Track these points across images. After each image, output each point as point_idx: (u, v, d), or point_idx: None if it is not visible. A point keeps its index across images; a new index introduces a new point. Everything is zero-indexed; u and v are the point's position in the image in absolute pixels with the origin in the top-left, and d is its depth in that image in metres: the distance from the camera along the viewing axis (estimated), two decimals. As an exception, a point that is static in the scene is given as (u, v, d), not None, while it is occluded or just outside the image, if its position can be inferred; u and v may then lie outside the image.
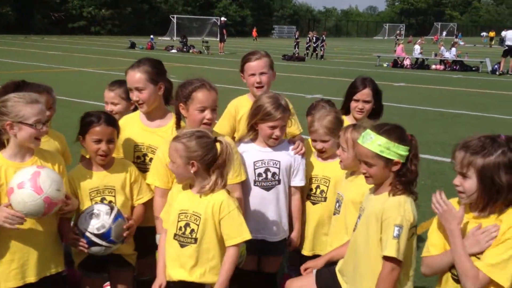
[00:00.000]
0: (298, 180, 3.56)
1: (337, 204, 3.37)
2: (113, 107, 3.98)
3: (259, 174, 3.49)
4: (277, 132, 3.40)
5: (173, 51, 35.21)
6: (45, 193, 2.77)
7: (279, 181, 3.51)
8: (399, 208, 2.66)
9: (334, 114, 3.58)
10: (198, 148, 2.81)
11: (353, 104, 3.99)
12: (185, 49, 35.40)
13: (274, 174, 3.49)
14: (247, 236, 2.91)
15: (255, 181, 3.50)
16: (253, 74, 3.78)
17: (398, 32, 63.67)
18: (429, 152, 8.93)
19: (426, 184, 6.92)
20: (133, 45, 37.27)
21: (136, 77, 3.37)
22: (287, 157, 3.52)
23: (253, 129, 3.49)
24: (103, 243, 3.05)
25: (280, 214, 3.54)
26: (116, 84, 4.02)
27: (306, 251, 3.68)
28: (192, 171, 2.83)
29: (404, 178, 2.70)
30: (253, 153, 3.50)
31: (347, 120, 3.99)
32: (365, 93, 3.97)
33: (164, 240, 3.00)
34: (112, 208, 3.12)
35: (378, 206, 2.72)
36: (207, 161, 2.83)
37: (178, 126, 3.38)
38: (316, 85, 18.36)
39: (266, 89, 3.76)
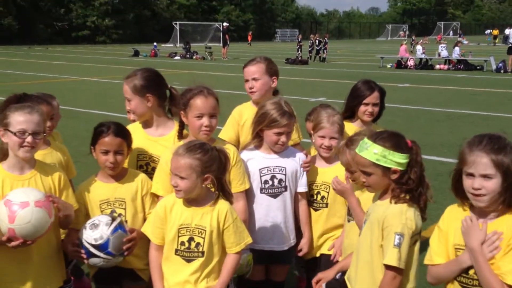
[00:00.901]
0: (302, 186, 3.54)
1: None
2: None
3: (266, 181, 3.46)
4: (283, 139, 3.38)
5: (177, 57, 35.27)
6: (13, 225, 2.71)
7: (285, 188, 3.48)
8: (400, 216, 2.62)
9: (339, 116, 3.57)
10: (212, 161, 2.81)
11: (362, 108, 3.96)
12: (188, 56, 35.44)
13: (280, 180, 3.47)
14: (249, 239, 2.95)
15: (261, 189, 3.47)
16: (247, 80, 3.82)
17: (411, 34, 62.34)
18: (436, 153, 8.87)
19: (433, 186, 6.80)
20: (136, 53, 37.36)
21: (124, 88, 3.46)
22: (292, 163, 3.50)
23: (258, 136, 3.46)
24: (101, 254, 2.98)
25: (287, 221, 3.52)
26: None
27: (310, 256, 3.63)
28: (204, 185, 2.83)
29: (405, 186, 2.65)
30: (259, 160, 3.47)
31: (354, 125, 3.96)
32: (374, 97, 3.96)
33: (157, 256, 2.95)
34: (113, 219, 3.05)
35: (380, 212, 2.69)
36: (219, 173, 2.85)
37: (180, 134, 3.37)
38: (319, 88, 18.34)
39: (259, 95, 3.77)
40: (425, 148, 9.74)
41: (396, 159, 2.64)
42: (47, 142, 3.57)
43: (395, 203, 2.66)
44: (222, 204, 2.89)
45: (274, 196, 3.48)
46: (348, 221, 3.33)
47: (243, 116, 3.79)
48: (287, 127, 3.37)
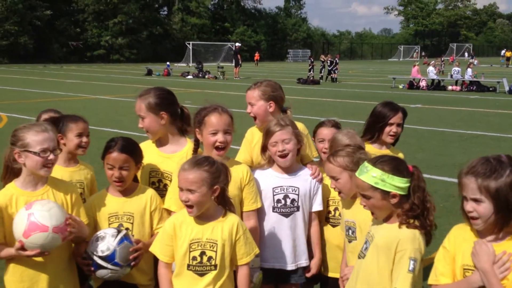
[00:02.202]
0: (317, 205, 3.53)
1: (350, 231, 3.27)
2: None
3: (278, 201, 3.47)
4: (279, 147, 3.38)
5: (189, 77, 35.57)
6: (50, 226, 2.78)
7: (298, 208, 3.48)
8: (414, 241, 2.62)
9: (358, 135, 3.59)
10: (219, 172, 2.86)
11: (387, 129, 3.96)
12: (200, 75, 35.73)
13: (293, 200, 3.47)
14: (257, 250, 3.01)
15: (273, 208, 3.47)
16: (248, 104, 3.83)
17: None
18: (448, 174, 8.79)
19: (445, 207, 6.80)
20: (149, 72, 37.74)
21: (138, 105, 3.49)
22: (305, 183, 3.50)
23: (264, 152, 3.50)
24: (108, 265, 3.00)
25: (298, 241, 3.51)
26: None
27: (327, 272, 3.61)
28: (213, 197, 2.86)
29: (410, 213, 2.64)
30: (272, 180, 3.49)
31: (373, 147, 3.94)
32: (399, 117, 3.98)
33: (167, 274, 2.95)
34: (119, 231, 3.09)
35: (390, 237, 2.66)
36: (225, 184, 2.90)
37: (195, 152, 3.39)
38: (331, 108, 18.36)
39: (259, 121, 3.76)
40: (437, 169, 9.80)
41: (395, 183, 2.64)
42: (75, 160, 3.63)
43: (407, 227, 2.64)
44: (231, 216, 2.94)
45: (286, 215, 3.48)
46: (350, 241, 3.28)
47: (254, 137, 3.82)
48: (281, 134, 3.37)
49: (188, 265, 2.88)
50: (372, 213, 2.78)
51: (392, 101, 4.19)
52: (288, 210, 3.47)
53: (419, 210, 2.64)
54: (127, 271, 3.09)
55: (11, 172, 3.09)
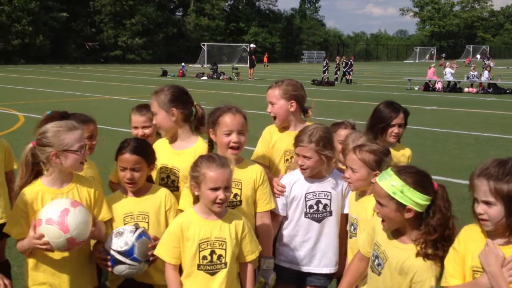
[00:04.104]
0: (347, 208, 3.50)
1: (352, 227, 3.29)
2: (145, 130, 4.03)
3: (310, 206, 3.47)
4: (299, 161, 3.39)
5: (204, 78, 35.68)
6: (70, 233, 2.81)
7: (330, 213, 3.48)
8: (431, 268, 2.60)
9: (367, 137, 3.52)
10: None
11: (389, 130, 3.95)
12: (215, 76, 35.84)
13: (325, 205, 3.47)
14: (260, 248, 3.07)
15: (306, 213, 3.47)
16: (268, 103, 3.83)
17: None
18: (463, 177, 8.70)
19: (459, 210, 6.71)
20: (165, 73, 37.94)
21: (151, 102, 3.55)
22: (336, 187, 3.49)
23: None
24: (127, 260, 3.01)
25: (330, 245, 3.50)
26: (143, 108, 4.07)
27: None
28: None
29: (427, 236, 2.57)
30: (304, 185, 3.47)
31: None
32: (400, 117, 3.97)
33: (176, 276, 2.95)
34: (137, 228, 3.12)
35: (406, 264, 2.62)
36: None
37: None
38: (346, 109, 18.30)
39: (278, 120, 3.77)
40: (453, 171, 9.70)
41: (414, 198, 2.57)
42: None
43: (427, 259, 2.59)
44: (237, 214, 3.01)
45: (318, 220, 3.48)
46: (350, 237, 3.30)
47: (273, 137, 3.82)
48: (302, 149, 3.36)
49: (199, 265, 2.89)
50: (382, 221, 2.73)
51: (393, 101, 4.16)
52: (320, 215, 3.47)
53: (436, 234, 2.57)
54: (145, 267, 3.10)
55: (30, 168, 3.07)
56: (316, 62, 76.03)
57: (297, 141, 3.40)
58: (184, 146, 3.53)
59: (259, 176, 3.32)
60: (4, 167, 4.10)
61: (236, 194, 3.25)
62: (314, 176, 3.44)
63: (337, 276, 3.57)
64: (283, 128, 3.81)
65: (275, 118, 3.79)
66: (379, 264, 2.76)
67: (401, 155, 3.95)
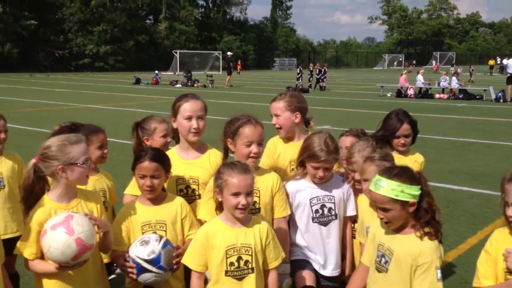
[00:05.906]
0: (350, 210, 3.62)
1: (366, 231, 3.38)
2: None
3: (316, 211, 3.55)
4: (320, 173, 3.47)
5: (178, 85, 35.52)
6: (77, 234, 2.78)
7: (335, 216, 3.56)
8: (437, 251, 2.73)
9: (372, 147, 3.64)
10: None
11: (395, 141, 4.06)
12: (189, 84, 35.74)
13: (330, 209, 3.55)
14: (283, 254, 3.13)
15: (313, 218, 3.55)
16: (272, 115, 3.91)
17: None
18: (445, 181, 8.94)
19: (446, 213, 6.89)
20: (138, 81, 37.64)
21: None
22: (338, 190, 3.58)
23: (302, 165, 3.56)
24: (153, 269, 3.04)
25: (337, 248, 3.59)
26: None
27: None
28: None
29: (422, 220, 2.74)
30: (308, 191, 3.55)
31: (395, 154, 4.01)
32: (405, 129, 4.06)
33: (201, 284, 3.00)
34: (161, 237, 3.16)
35: (412, 249, 2.74)
36: None
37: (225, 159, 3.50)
38: (322, 116, 18.42)
39: (284, 132, 3.87)
40: (434, 176, 9.84)
41: (412, 192, 2.72)
42: (96, 169, 3.71)
43: (429, 239, 2.73)
44: (260, 221, 3.08)
45: (325, 224, 3.56)
46: (354, 237, 3.45)
47: (277, 148, 3.91)
48: (325, 163, 3.43)
49: (226, 271, 2.94)
50: (386, 222, 2.83)
51: (401, 109, 4.25)
52: (326, 219, 3.55)
53: (429, 215, 2.73)
54: (168, 275, 3.14)
55: (32, 192, 3.02)
56: (287, 69, 76.58)
57: (322, 155, 3.45)
58: (196, 156, 3.60)
59: (275, 183, 3.40)
60: (17, 181, 4.07)
61: (255, 202, 3.30)
62: (315, 180, 3.53)
63: (342, 280, 3.65)
64: (287, 139, 3.90)
65: (279, 129, 3.88)
66: (386, 262, 2.86)
67: (414, 161, 4.06)
